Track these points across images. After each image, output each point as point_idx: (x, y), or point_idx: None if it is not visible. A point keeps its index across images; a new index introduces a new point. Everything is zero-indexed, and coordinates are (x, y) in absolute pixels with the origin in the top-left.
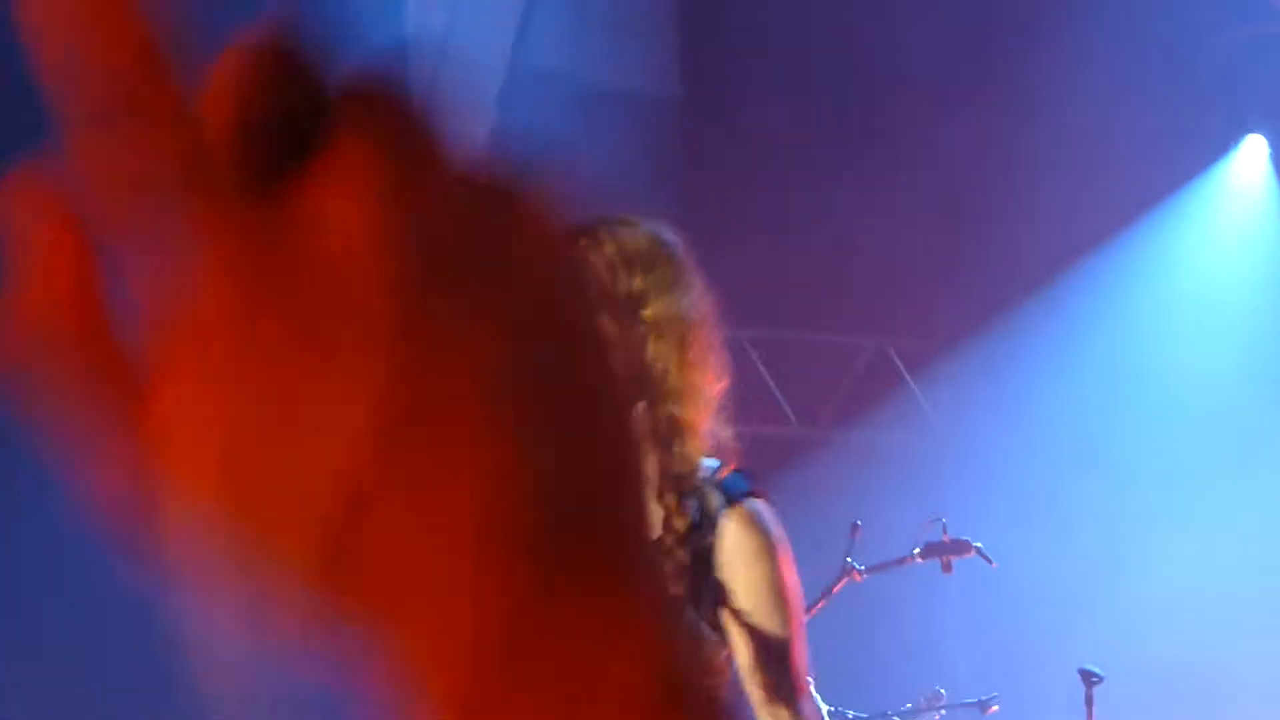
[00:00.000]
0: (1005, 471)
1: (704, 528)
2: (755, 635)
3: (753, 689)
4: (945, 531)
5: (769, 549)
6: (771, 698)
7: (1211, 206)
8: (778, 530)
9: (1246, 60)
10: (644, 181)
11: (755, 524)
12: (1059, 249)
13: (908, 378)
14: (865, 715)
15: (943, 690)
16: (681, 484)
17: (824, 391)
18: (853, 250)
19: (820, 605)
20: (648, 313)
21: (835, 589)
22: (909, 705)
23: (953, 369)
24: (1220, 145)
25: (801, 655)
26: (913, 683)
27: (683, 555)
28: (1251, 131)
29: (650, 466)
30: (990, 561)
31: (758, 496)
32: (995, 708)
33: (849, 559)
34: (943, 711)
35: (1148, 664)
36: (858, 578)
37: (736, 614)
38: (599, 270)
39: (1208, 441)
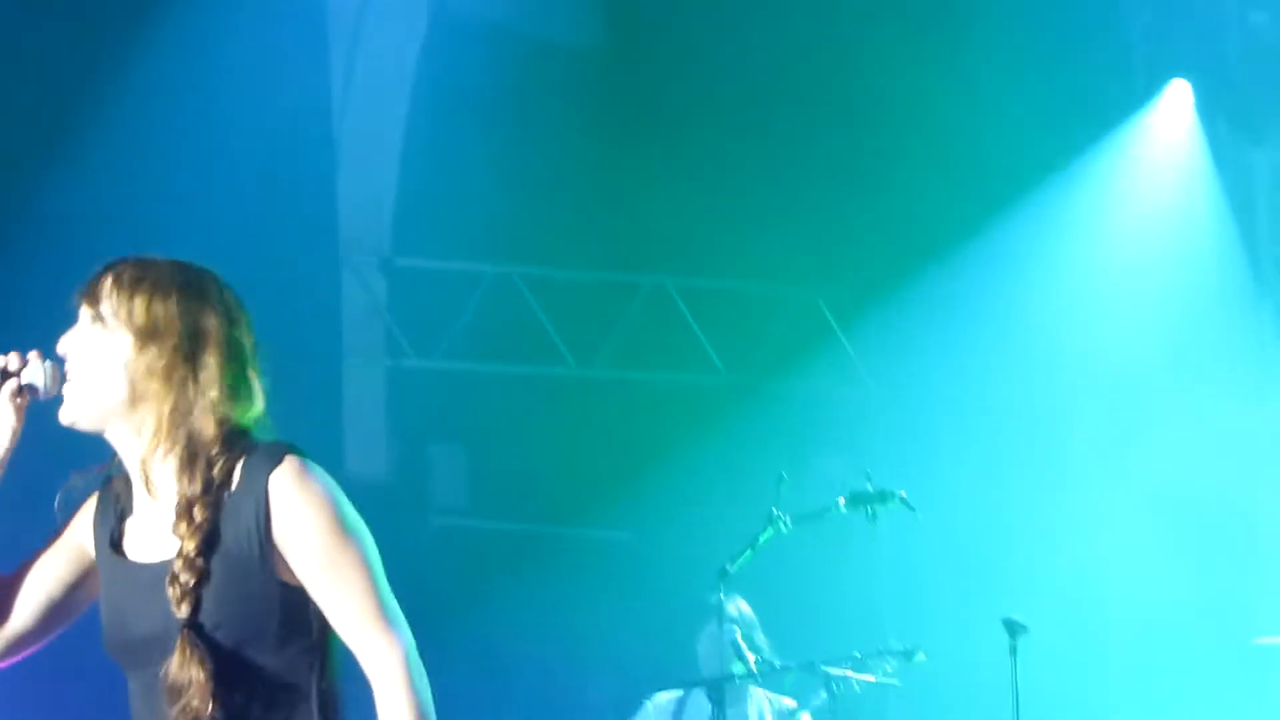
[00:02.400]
0: (932, 421)
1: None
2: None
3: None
4: (870, 481)
5: (317, 496)
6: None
7: (1137, 151)
8: (318, 478)
9: (1170, 6)
10: (569, 130)
11: (301, 476)
12: (987, 198)
13: (836, 328)
14: (791, 664)
15: (924, 656)
16: (202, 478)
17: (751, 340)
18: (782, 200)
19: (747, 556)
20: (140, 329)
21: (761, 539)
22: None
23: (880, 319)
24: (1144, 92)
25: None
26: (839, 632)
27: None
28: (1175, 76)
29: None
30: (913, 509)
31: (290, 452)
32: (921, 656)
33: (775, 509)
34: (889, 667)
35: (1072, 614)
36: (784, 528)
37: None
38: (114, 297)
39: (1135, 390)
